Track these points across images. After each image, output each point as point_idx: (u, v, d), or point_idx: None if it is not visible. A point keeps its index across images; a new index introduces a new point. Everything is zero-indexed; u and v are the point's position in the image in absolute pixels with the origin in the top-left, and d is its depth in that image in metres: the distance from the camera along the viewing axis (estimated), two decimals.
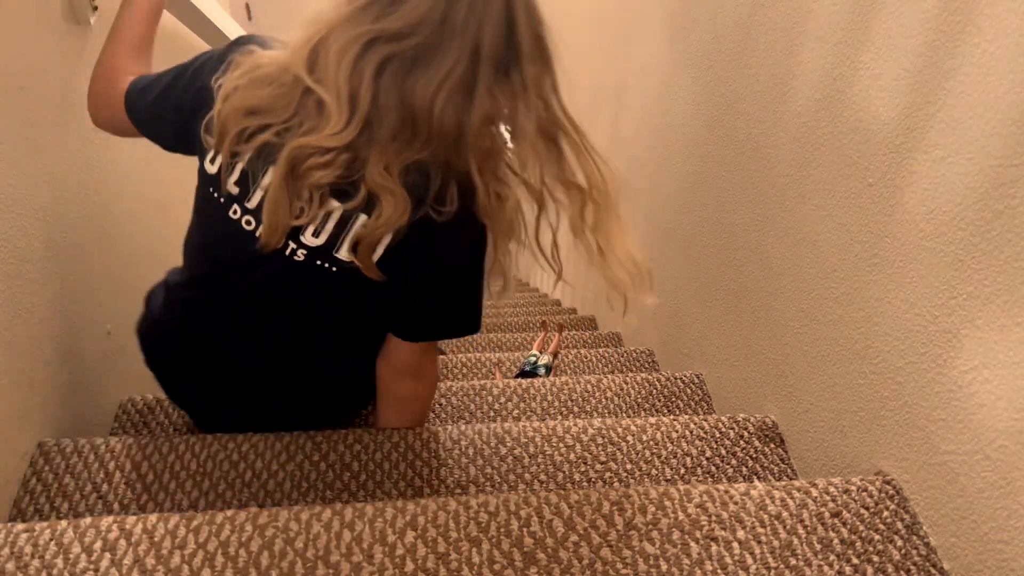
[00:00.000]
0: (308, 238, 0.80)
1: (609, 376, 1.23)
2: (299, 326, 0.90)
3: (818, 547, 0.67)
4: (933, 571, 0.65)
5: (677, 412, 1.19)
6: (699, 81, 1.21)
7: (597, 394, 1.19)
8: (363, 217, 0.78)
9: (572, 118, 0.85)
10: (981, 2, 0.58)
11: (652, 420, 0.97)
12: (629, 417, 1.06)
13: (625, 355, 1.51)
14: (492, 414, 1.15)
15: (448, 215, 0.77)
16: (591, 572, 0.63)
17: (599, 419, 1.01)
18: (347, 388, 1.02)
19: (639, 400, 1.19)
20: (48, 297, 0.95)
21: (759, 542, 0.67)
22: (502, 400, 1.17)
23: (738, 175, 1.05)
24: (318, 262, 0.81)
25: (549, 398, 1.18)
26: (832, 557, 0.66)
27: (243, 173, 0.80)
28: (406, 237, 0.78)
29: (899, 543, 0.67)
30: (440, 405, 1.16)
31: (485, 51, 0.76)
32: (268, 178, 0.78)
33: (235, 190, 0.81)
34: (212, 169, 0.82)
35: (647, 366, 1.49)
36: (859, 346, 0.77)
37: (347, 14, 0.75)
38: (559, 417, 1.15)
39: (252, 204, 0.81)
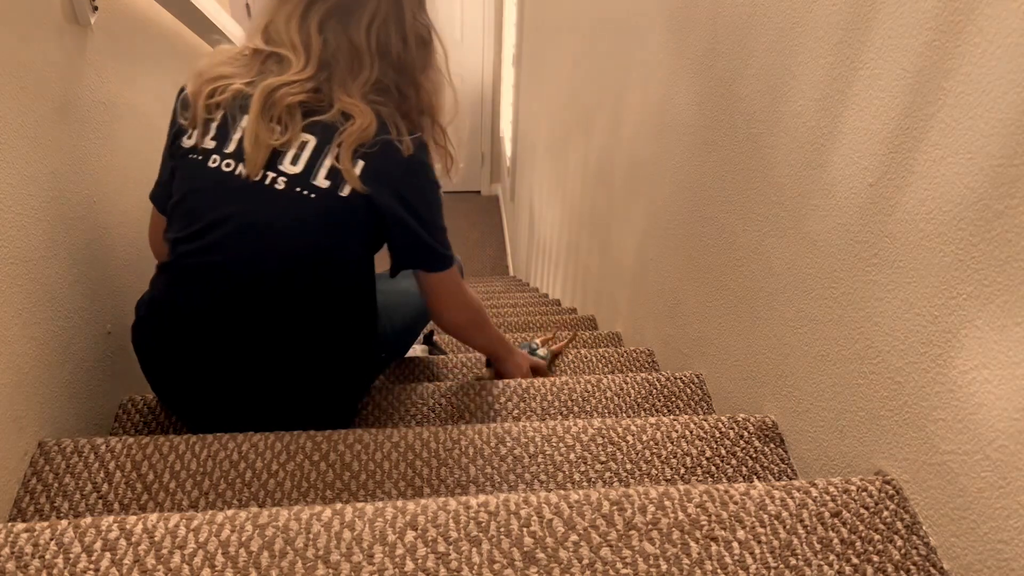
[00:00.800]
0: (287, 166, 0.90)
1: (609, 376, 1.23)
2: (277, 280, 0.92)
3: (818, 547, 0.67)
4: (933, 571, 0.65)
5: (677, 412, 1.19)
6: (699, 81, 1.21)
7: (597, 394, 1.19)
8: (336, 149, 0.90)
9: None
10: (981, 2, 0.59)
11: (652, 420, 0.97)
12: (629, 417, 1.07)
13: (625, 355, 1.51)
14: (492, 414, 1.15)
15: (407, 148, 0.92)
16: (591, 572, 0.64)
17: (599, 419, 1.01)
18: (334, 369, 1.03)
19: (639, 400, 1.19)
20: (48, 297, 0.95)
21: (759, 542, 0.67)
22: (502, 400, 1.17)
23: (738, 175, 1.05)
24: (297, 189, 0.90)
25: (549, 398, 1.18)
26: (832, 557, 0.66)
27: (219, 128, 0.92)
28: (377, 160, 0.90)
29: (899, 543, 0.67)
30: (440, 405, 1.16)
31: None
32: (244, 121, 0.90)
33: (212, 144, 0.92)
34: (189, 142, 0.94)
35: (647, 366, 1.49)
36: (859, 346, 0.77)
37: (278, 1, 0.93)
38: (559, 417, 1.15)
39: (231, 148, 0.91)
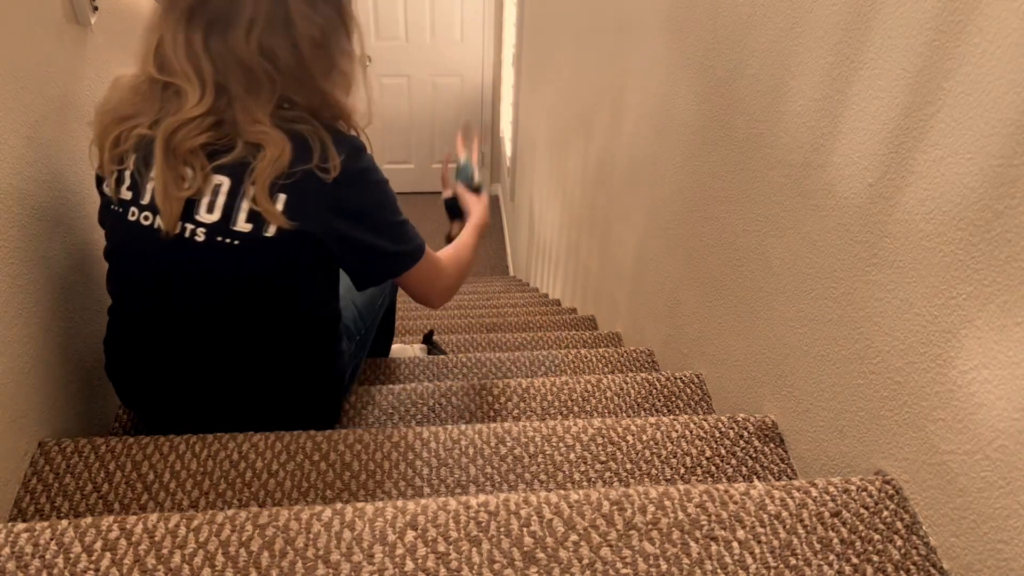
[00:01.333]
0: (203, 215, 0.84)
1: (609, 376, 1.23)
2: (223, 323, 0.91)
3: (818, 547, 0.67)
4: (933, 571, 0.65)
5: (677, 412, 1.19)
6: (699, 81, 1.21)
7: (597, 394, 1.19)
8: (252, 188, 0.82)
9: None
10: (981, 2, 0.59)
11: (652, 420, 0.97)
12: (629, 417, 1.07)
13: (625, 355, 1.51)
14: (492, 414, 1.15)
15: (334, 168, 0.83)
16: (591, 572, 0.64)
17: (599, 419, 1.01)
18: (301, 392, 1.02)
19: (639, 400, 1.19)
20: (49, 297, 0.95)
21: (759, 542, 0.67)
22: (502, 400, 1.17)
23: (738, 175, 1.05)
24: (218, 238, 0.84)
25: (549, 398, 1.18)
26: (832, 557, 0.66)
27: (132, 177, 0.86)
28: (298, 193, 0.83)
29: (899, 543, 0.67)
30: (440, 405, 1.16)
31: None
32: (153, 171, 0.83)
33: (128, 195, 0.87)
34: (108, 190, 0.89)
35: (647, 366, 1.49)
36: (859, 346, 0.77)
37: (163, 10, 0.84)
38: (559, 417, 1.15)
39: (146, 200, 0.86)
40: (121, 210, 0.88)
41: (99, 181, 0.92)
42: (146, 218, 0.86)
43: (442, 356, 1.48)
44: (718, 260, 1.15)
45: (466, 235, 1.23)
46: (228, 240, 0.84)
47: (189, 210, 0.84)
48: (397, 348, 1.71)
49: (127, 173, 0.86)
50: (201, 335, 0.92)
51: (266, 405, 1.01)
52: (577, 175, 2.44)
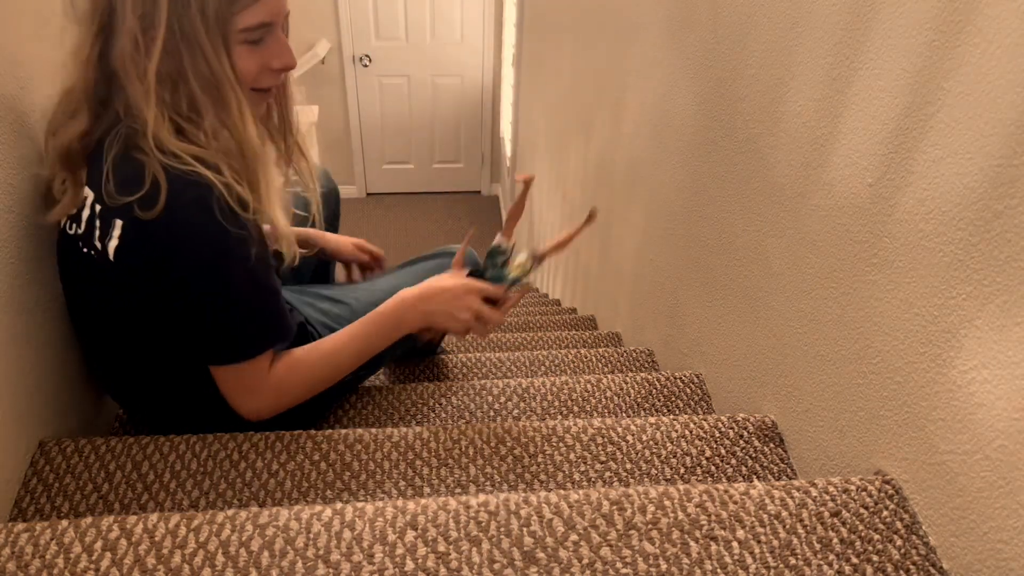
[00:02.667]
0: (73, 228, 0.83)
1: (609, 376, 1.23)
2: (126, 343, 0.91)
3: (817, 546, 0.67)
4: (932, 570, 0.65)
5: (677, 412, 1.19)
6: (699, 81, 1.21)
7: (597, 394, 1.19)
8: (99, 207, 0.79)
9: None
10: (981, 2, 0.59)
11: (652, 420, 0.97)
12: (629, 417, 1.07)
13: (625, 355, 1.51)
14: (492, 414, 1.15)
15: (155, 212, 0.73)
16: (591, 571, 0.64)
17: (599, 419, 1.02)
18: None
19: (639, 400, 1.19)
20: (49, 297, 0.95)
21: (759, 541, 0.67)
22: (502, 400, 1.17)
23: (738, 175, 1.05)
24: (84, 249, 0.82)
25: (549, 398, 1.18)
26: (831, 556, 0.66)
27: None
28: (128, 234, 0.76)
29: (898, 542, 0.67)
30: (440, 405, 1.16)
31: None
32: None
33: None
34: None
35: (647, 366, 1.49)
36: (859, 346, 0.77)
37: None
38: (559, 417, 1.16)
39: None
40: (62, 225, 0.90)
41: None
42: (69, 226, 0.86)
43: (443, 356, 1.48)
44: (718, 260, 1.15)
45: (353, 329, 0.94)
46: (91, 252, 0.81)
47: (76, 217, 0.83)
48: None
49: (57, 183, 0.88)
50: (106, 346, 0.94)
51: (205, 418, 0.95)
52: (577, 175, 2.44)
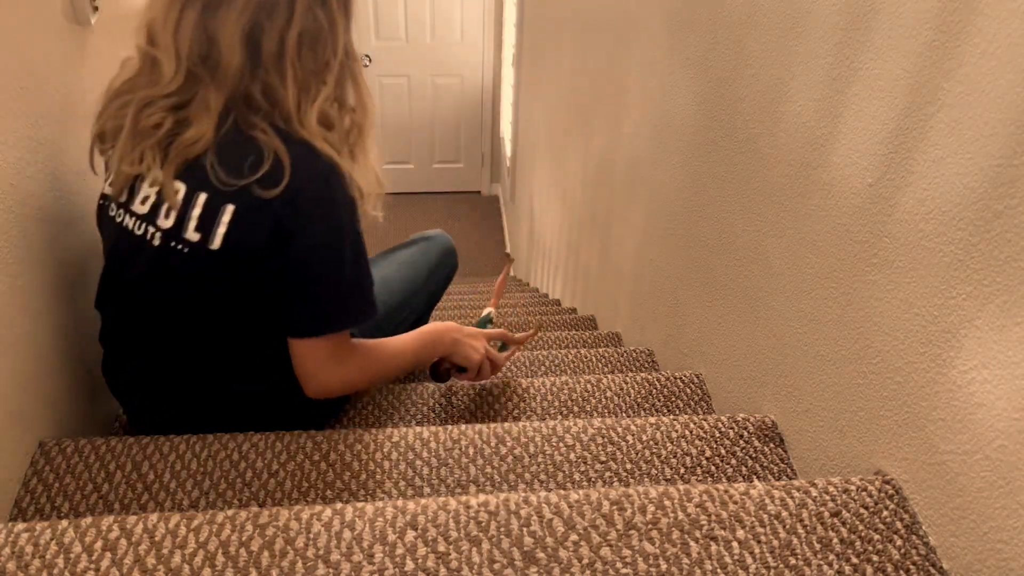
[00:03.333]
0: (161, 220, 0.82)
1: (609, 376, 1.23)
2: (185, 338, 0.90)
3: (817, 546, 0.67)
4: (932, 571, 0.66)
5: (677, 412, 1.19)
6: (699, 81, 1.21)
7: (597, 394, 1.20)
8: (203, 196, 0.80)
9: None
10: (981, 2, 0.59)
11: (652, 420, 0.97)
12: (629, 417, 1.07)
13: (625, 355, 1.51)
14: (492, 414, 1.15)
15: (278, 190, 0.77)
16: (591, 571, 0.64)
17: (599, 419, 1.02)
18: (278, 410, 0.99)
19: (639, 400, 1.20)
20: (49, 297, 0.95)
21: (759, 541, 0.67)
22: (502, 400, 1.17)
23: (738, 175, 1.05)
24: (171, 243, 0.82)
25: (549, 398, 1.18)
26: (831, 556, 0.66)
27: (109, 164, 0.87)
28: (244, 202, 0.78)
29: (898, 543, 0.67)
30: (440, 405, 1.16)
31: None
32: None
33: (109, 190, 0.87)
34: (106, 187, 0.89)
35: (647, 366, 1.49)
36: (859, 346, 0.77)
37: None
38: (559, 417, 1.16)
39: (107, 188, 0.88)
40: (104, 203, 0.90)
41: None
42: (119, 215, 0.87)
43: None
44: (718, 260, 1.15)
45: (413, 343, 1.02)
46: (179, 247, 0.82)
47: (154, 213, 0.83)
48: None
49: (110, 162, 0.88)
50: (166, 341, 0.92)
51: (240, 415, 0.97)
52: (577, 175, 2.44)
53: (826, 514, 0.69)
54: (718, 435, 0.96)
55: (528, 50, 3.74)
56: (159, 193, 0.81)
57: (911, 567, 0.66)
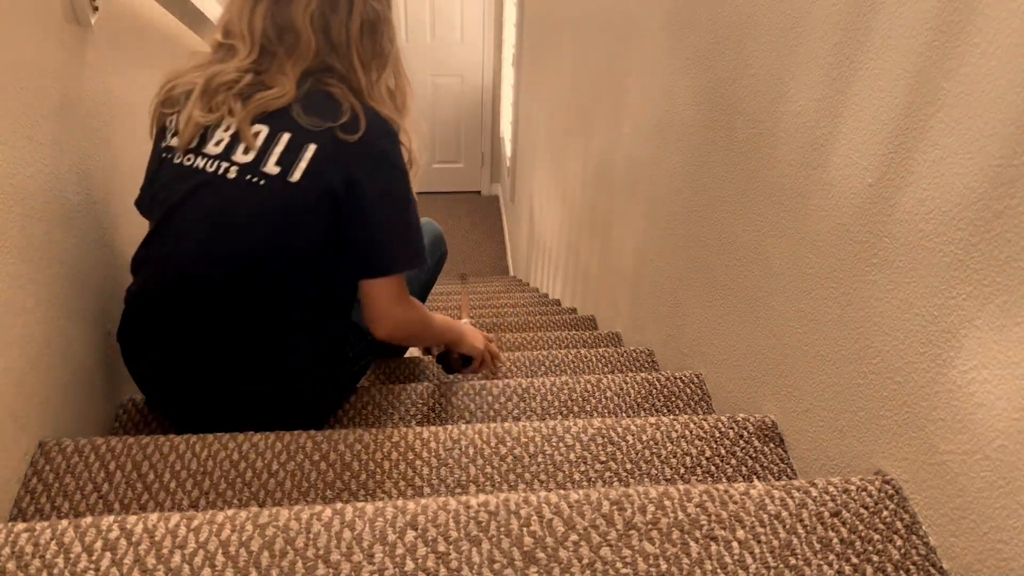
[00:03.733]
0: (238, 156, 0.90)
1: (609, 376, 1.23)
2: (238, 273, 0.92)
3: (817, 546, 0.67)
4: (932, 570, 0.66)
5: (677, 412, 1.19)
6: (699, 81, 1.21)
7: (597, 394, 1.20)
8: (286, 136, 0.89)
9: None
10: (981, 2, 0.59)
11: (652, 420, 0.97)
12: (629, 417, 1.07)
13: (625, 355, 1.51)
14: (492, 414, 1.15)
15: (357, 136, 0.89)
16: (591, 571, 0.64)
17: (599, 419, 1.02)
18: (311, 375, 1.03)
19: (639, 400, 1.19)
20: (48, 297, 0.95)
21: (759, 541, 0.67)
22: (502, 400, 1.17)
23: (738, 175, 1.05)
24: (247, 177, 0.89)
25: (549, 398, 1.18)
26: (831, 556, 0.66)
27: (175, 123, 0.95)
28: (325, 144, 0.89)
29: (898, 543, 0.67)
30: (440, 405, 1.16)
31: None
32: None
33: (168, 139, 0.96)
34: (163, 143, 0.97)
35: (647, 366, 1.49)
36: (858, 346, 0.77)
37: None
38: (559, 417, 1.16)
39: (170, 139, 0.95)
40: (167, 155, 0.95)
41: (156, 141, 0.99)
42: (187, 159, 0.93)
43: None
44: (718, 260, 1.15)
45: (443, 319, 1.17)
46: (256, 180, 0.89)
47: (228, 151, 0.91)
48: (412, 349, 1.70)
49: (174, 120, 0.95)
50: (226, 287, 0.93)
51: (275, 377, 1.00)
52: (577, 175, 2.44)
53: (826, 514, 0.69)
54: (718, 435, 0.96)
55: (528, 50, 3.74)
56: (234, 136, 0.91)
57: (911, 567, 0.66)
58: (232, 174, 0.90)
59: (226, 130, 0.91)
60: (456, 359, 1.26)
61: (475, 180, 5.53)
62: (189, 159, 0.92)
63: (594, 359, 1.49)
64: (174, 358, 0.98)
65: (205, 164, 0.91)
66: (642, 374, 1.25)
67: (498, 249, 5.06)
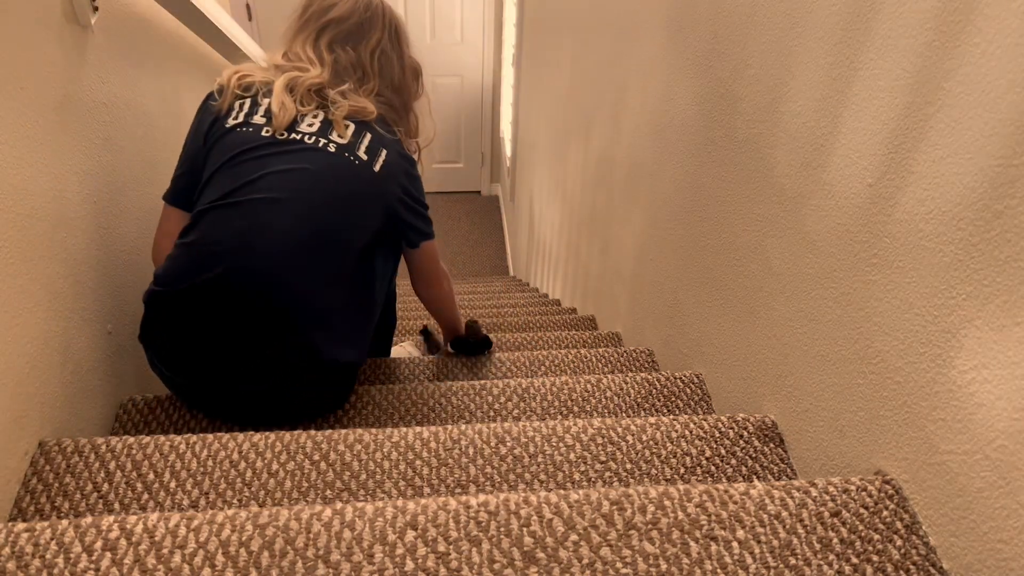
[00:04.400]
0: (335, 137, 1.08)
1: (609, 376, 1.23)
2: (318, 241, 1.04)
3: (817, 546, 0.67)
4: (932, 570, 0.65)
5: (677, 412, 1.19)
6: (699, 81, 1.21)
7: (597, 394, 1.20)
8: (368, 135, 1.11)
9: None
10: (981, 2, 0.59)
11: (652, 420, 0.97)
12: (629, 417, 1.07)
13: (625, 355, 1.51)
14: (492, 414, 1.15)
15: (406, 148, 1.18)
16: (591, 571, 0.64)
17: (599, 419, 1.02)
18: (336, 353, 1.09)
19: (639, 400, 1.19)
20: (49, 297, 0.95)
21: (759, 541, 0.67)
22: (502, 400, 1.17)
23: (738, 175, 1.05)
24: (346, 154, 1.08)
25: (549, 398, 1.18)
26: (831, 556, 0.66)
27: (251, 105, 1.09)
28: (391, 160, 1.12)
29: (898, 543, 0.67)
30: (440, 405, 1.16)
31: (393, 27, 1.23)
32: (268, 99, 1.09)
33: (242, 119, 1.08)
34: (229, 121, 1.08)
35: (647, 366, 1.49)
36: (859, 346, 0.77)
37: (297, 25, 1.20)
38: (559, 417, 1.16)
39: (258, 119, 1.08)
40: (239, 128, 1.07)
41: (212, 123, 1.09)
42: (282, 135, 1.06)
43: (441, 356, 1.48)
44: (718, 260, 1.15)
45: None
46: (351, 158, 1.08)
47: (324, 131, 1.08)
48: (396, 349, 1.71)
49: (246, 103, 1.09)
50: (293, 250, 1.02)
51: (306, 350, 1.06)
52: (577, 175, 2.44)
53: (826, 514, 0.69)
54: (718, 435, 0.96)
55: (528, 50, 3.74)
56: (325, 122, 1.09)
57: (911, 567, 0.66)
58: (332, 148, 1.07)
59: (315, 117, 1.09)
60: (436, 340, 1.60)
61: (475, 180, 5.53)
62: (282, 135, 1.06)
63: (594, 359, 1.49)
64: (202, 340, 1.03)
65: (303, 137, 1.06)
66: (642, 374, 1.25)
67: (498, 249, 5.06)
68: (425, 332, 1.80)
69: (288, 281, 1.01)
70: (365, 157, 1.09)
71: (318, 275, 1.04)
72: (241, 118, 1.07)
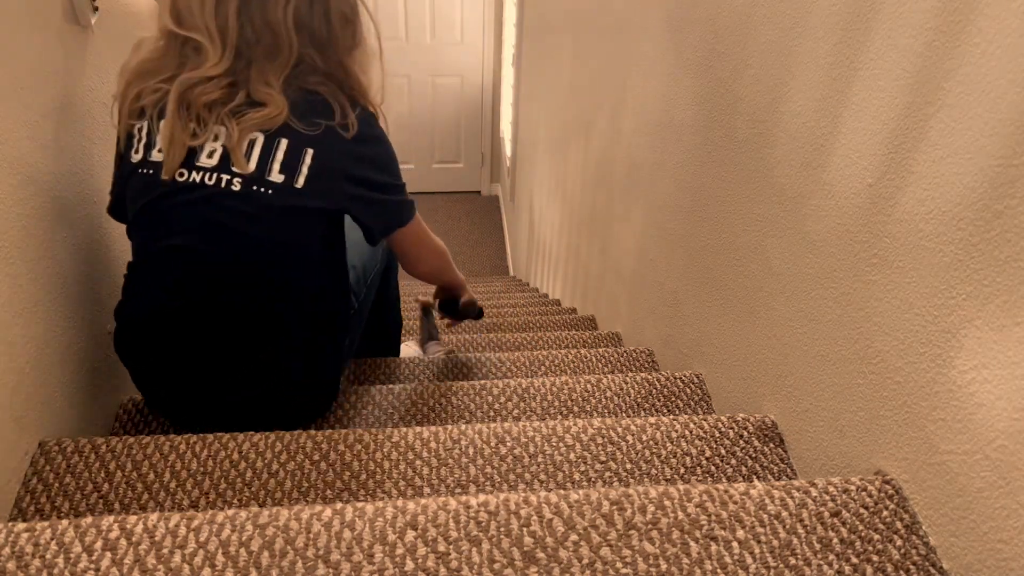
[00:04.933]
0: (239, 166, 0.89)
1: (609, 376, 1.23)
2: (245, 280, 0.94)
3: (817, 546, 0.67)
4: (932, 570, 0.66)
5: (677, 412, 1.19)
6: (699, 81, 1.21)
7: (597, 394, 1.20)
8: (284, 142, 0.90)
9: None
10: (981, 2, 0.59)
11: (652, 420, 0.97)
12: (629, 417, 1.07)
13: (625, 355, 1.51)
14: (492, 414, 1.15)
15: (351, 134, 0.92)
16: (591, 571, 0.64)
17: (599, 419, 1.02)
18: (304, 373, 1.04)
19: (639, 400, 1.20)
20: (49, 297, 0.95)
21: (759, 541, 0.67)
22: (502, 400, 1.17)
23: (738, 175, 1.05)
24: (254, 187, 0.90)
25: (549, 398, 1.18)
26: (831, 556, 0.66)
27: (147, 135, 0.91)
28: (323, 144, 0.91)
29: (898, 542, 0.67)
30: (440, 405, 1.16)
31: None
32: (164, 119, 0.89)
33: (142, 153, 0.92)
34: (134, 157, 0.93)
35: (647, 366, 1.49)
36: (858, 346, 0.77)
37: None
38: (559, 417, 1.16)
39: (155, 154, 0.91)
40: (139, 168, 0.92)
41: (124, 148, 0.95)
42: (181, 175, 0.90)
43: (441, 357, 1.48)
44: (718, 260, 1.15)
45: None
46: (263, 189, 0.90)
47: (225, 162, 0.89)
48: (403, 348, 1.71)
49: (144, 130, 0.92)
50: (222, 292, 0.94)
51: (270, 374, 1.02)
52: (577, 175, 2.44)
53: (826, 514, 0.69)
54: (718, 435, 0.96)
55: (528, 50, 3.74)
56: (224, 151, 0.89)
57: (911, 567, 0.66)
58: (236, 186, 0.89)
59: (216, 140, 0.90)
60: (459, 306, 1.42)
61: (475, 180, 5.53)
62: (182, 174, 0.90)
63: (594, 359, 1.49)
64: (173, 365, 0.99)
65: (203, 177, 0.89)
66: (642, 374, 1.25)
67: (498, 249, 5.06)
68: (425, 310, 1.76)
69: (238, 303, 0.96)
70: (281, 178, 0.90)
71: (267, 299, 0.97)
72: (141, 152, 0.92)
